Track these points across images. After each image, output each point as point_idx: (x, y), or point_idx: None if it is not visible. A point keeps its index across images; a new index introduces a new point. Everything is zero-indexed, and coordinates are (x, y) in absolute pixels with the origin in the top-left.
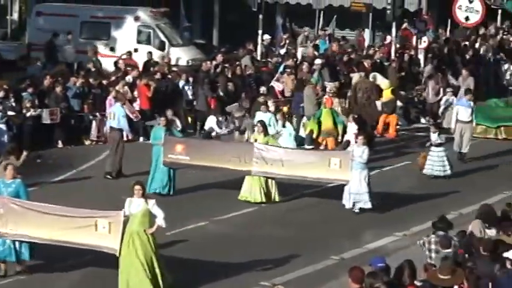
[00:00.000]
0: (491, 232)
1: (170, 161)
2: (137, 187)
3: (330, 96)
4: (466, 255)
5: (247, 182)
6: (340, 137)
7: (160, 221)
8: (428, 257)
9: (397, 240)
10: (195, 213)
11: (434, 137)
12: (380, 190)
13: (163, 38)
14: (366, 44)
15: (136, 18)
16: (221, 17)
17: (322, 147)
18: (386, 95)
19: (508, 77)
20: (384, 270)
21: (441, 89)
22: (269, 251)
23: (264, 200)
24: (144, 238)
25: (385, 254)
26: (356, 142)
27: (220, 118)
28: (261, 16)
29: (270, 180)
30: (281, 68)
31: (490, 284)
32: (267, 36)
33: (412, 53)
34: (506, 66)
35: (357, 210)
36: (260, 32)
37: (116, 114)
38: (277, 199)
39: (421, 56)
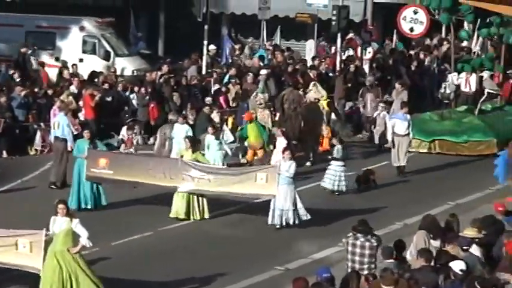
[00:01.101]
0: (436, 243)
1: (93, 175)
2: (61, 206)
3: (260, 107)
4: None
5: (176, 199)
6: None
7: (84, 240)
8: (351, 260)
9: (342, 250)
10: (122, 229)
11: (335, 151)
12: (322, 201)
13: (108, 48)
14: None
15: (82, 28)
16: (167, 27)
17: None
18: (322, 106)
19: (442, 90)
20: (329, 281)
21: (380, 103)
22: (206, 266)
23: (193, 216)
24: (68, 257)
25: (329, 265)
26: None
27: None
28: (206, 26)
29: (198, 197)
30: (226, 79)
31: None
32: (212, 47)
33: (357, 63)
34: (449, 77)
35: (278, 226)
36: (206, 42)
37: (60, 124)
38: (206, 216)
39: (366, 67)
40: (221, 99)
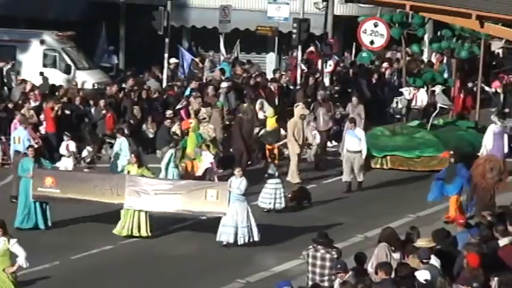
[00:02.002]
0: (396, 255)
1: (40, 194)
2: None
3: (204, 122)
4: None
5: (123, 215)
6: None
7: (21, 260)
8: (311, 272)
9: (303, 263)
10: (66, 247)
11: (271, 168)
12: (283, 214)
13: (69, 62)
14: (298, 62)
15: (42, 42)
16: (127, 41)
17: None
18: (271, 123)
19: (394, 104)
20: None
21: (332, 117)
22: (162, 283)
23: (138, 233)
24: (3, 277)
25: (290, 277)
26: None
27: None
28: (167, 40)
29: (142, 214)
30: (187, 92)
31: None
32: (173, 60)
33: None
34: (405, 90)
35: (224, 243)
36: (166, 55)
37: (21, 138)
38: (148, 233)
39: (326, 80)
40: (182, 112)
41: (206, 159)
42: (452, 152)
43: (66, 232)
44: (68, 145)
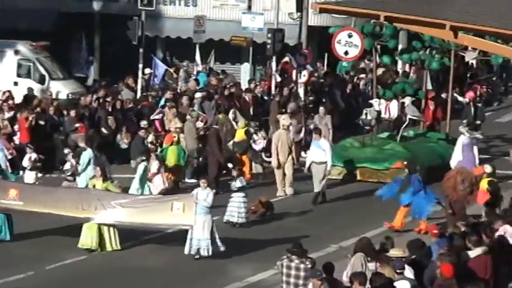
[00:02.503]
0: (372, 266)
1: (2, 206)
2: None
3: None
4: None
5: (85, 229)
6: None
7: None
8: (285, 282)
9: (277, 273)
10: (29, 260)
11: (237, 182)
12: (256, 224)
13: (43, 72)
14: (272, 72)
15: (16, 52)
16: (102, 51)
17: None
18: (239, 134)
19: (363, 116)
20: None
21: (303, 128)
22: None
23: (105, 247)
24: None
25: None
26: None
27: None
28: (141, 50)
29: (109, 227)
30: (162, 102)
31: None
32: (147, 70)
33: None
34: (374, 102)
35: (196, 256)
36: (141, 65)
37: None
38: (117, 247)
39: (301, 90)
40: (157, 122)
41: (152, 168)
42: (406, 163)
43: (35, 243)
44: (30, 157)
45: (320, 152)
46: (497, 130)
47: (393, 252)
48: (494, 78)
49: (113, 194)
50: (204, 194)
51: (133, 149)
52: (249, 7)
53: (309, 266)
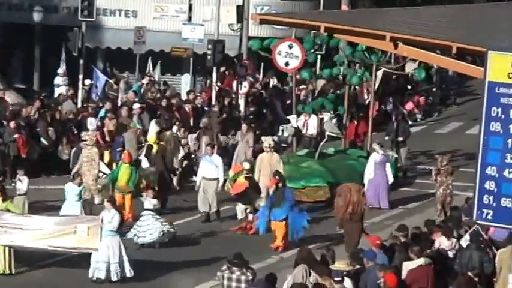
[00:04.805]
0: (313, 277)
1: None
2: None
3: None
4: None
5: None
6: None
7: None
8: None
9: (218, 284)
10: None
11: (148, 201)
12: (198, 234)
13: None
14: (234, 84)
15: None
16: (42, 62)
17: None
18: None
19: (280, 133)
20: None
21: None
22: None
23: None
24: None
25: None
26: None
27: None
28: (81, 61)
29: (5, 248)
30: (101, 113)
31: None
32: (88, 81)
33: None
34: (292, 118)
35: (94, 279)
36: (81, 77)
37: None
38: (11, 271)
39: (241, 101)
40: (97, 134)
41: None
42: (278, 177)
43: None
44: None
45: (212, 167)
46: (440, 141)
47: (338, 266)
48: (434, 89)
49: (13, 215)
50: (109, 217)
51: (73, 160)
52: (190, 18)
53: (250, 277)
